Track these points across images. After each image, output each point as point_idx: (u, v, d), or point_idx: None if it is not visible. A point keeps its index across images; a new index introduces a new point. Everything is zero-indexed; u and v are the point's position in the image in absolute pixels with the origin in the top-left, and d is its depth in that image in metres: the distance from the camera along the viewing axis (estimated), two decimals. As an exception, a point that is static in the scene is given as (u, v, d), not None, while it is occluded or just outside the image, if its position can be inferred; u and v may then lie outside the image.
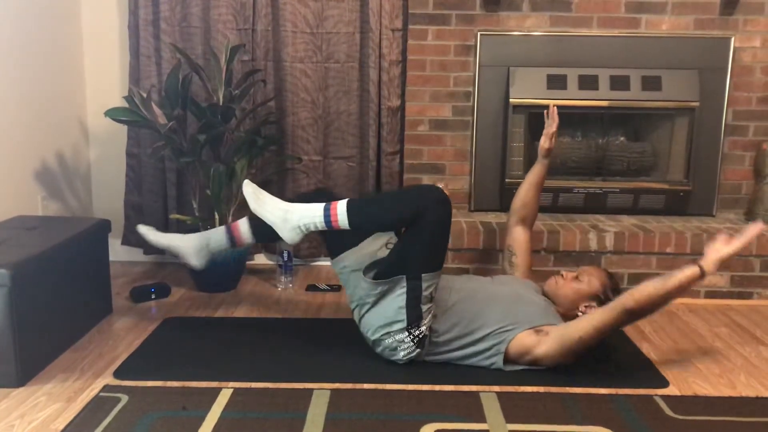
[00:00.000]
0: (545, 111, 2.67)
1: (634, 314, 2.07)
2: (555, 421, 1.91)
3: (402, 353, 2.21)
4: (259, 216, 2.21)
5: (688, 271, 2.04)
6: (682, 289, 2.05)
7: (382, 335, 2.21)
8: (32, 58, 2.92)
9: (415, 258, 2.16)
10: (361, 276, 2.24)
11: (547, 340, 2.14)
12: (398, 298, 2.16)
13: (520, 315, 2.22)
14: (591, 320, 2.10)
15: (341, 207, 2.13)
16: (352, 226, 2.14)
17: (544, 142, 2.65)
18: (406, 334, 2.18)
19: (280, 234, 2.20)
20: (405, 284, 2.15)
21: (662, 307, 2.09)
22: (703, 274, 2.04)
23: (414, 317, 2.16)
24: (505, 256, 2.67)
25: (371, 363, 2.25)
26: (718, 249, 2.07)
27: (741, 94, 3.26)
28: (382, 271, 2.20)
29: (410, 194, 2.25)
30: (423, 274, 2.14)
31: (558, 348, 2.13)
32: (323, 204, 2.16)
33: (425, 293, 2.16)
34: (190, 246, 2.43)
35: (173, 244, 2.46)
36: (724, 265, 2.09)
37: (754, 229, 2.07)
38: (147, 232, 2.47)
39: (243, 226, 2.40)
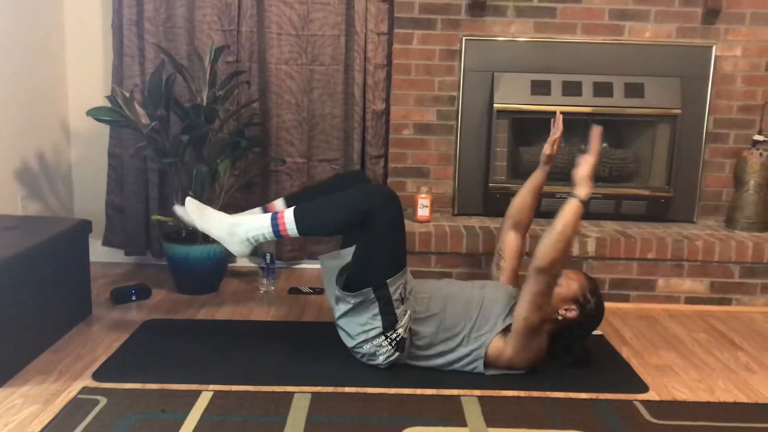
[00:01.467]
0: (552, 119, 2.59)
1: (546, 269, 2.07)
2: (535, 425, 1.91)
3: (381, 357, 2.21)
4: (205, 232, 2.22)
5: (567, 207, 2.11)
6: (572, 224, 2.09)
7: (360, 342, 2.21)
8: (14, 56, 2.89)
9: (376, 265, 2.17)
10: (334, 281, 2.27)
11: (508, 338, 2.17)
12: (371, 306, 2.17)
13: (492, 319, 2.23)
14: (523, 298, 2.12)
15: (288, 215, 2.16)
16: (301, 233, 2.18)
17: (546, 149, 2.58)
18: (383, 338, 2.18)
19: (228, 248, 2.22)
20: (373, 295, 2.16)
21: (568, 247, 2.11)
22: (581, 201, 2.11)
23: (389, 322, 2.17)
24: (494, 259, 2.67)
25: (352, 366, 2.25)
26: (579, 171, 2.15)
27: (722, 102, 3.30)
28: (349, 282, 2.21)
29: (357, 195, 2.24)
30: (388, 281, 2.15)
31: (516, 341, 2.15)
32: (270, 214, 2.18)
33: (395, 297, 2.16)
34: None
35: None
36: (591, 179, 2.15)
37: (595, 133, 2.17)
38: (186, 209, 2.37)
39: (283, 209, 2.42)
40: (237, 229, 2.18)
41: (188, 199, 2.24)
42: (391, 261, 2.18)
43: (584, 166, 2.16)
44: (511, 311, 2.22)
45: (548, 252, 2.06)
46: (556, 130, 2.59)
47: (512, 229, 2.61)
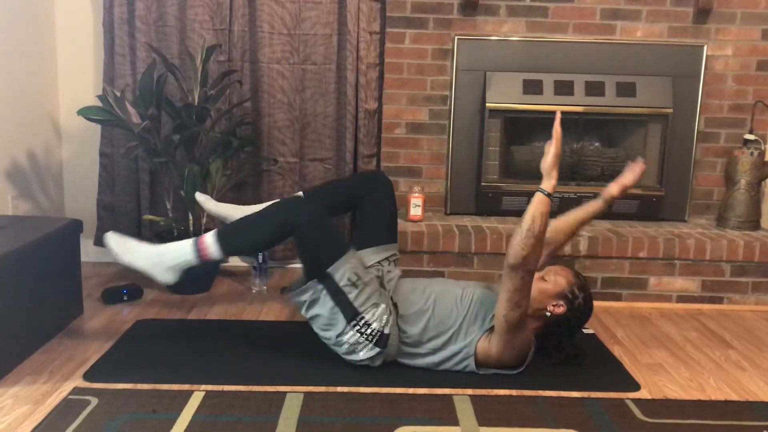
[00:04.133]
0: (630, 162, 2.49)
1: (518, 266, 2.02)
2: (527, 424, 1.91)
3: (362, 353, 2.21)
4: (129, 265, 2.24)
5: (536, 200, 2.05)
6: (540, 219, 2.03)
7: (336, 341, 2.22)
8: (4, 55, 2.88)
9: (311, 262, 2.20)
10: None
11: (492, 338, 2.17)
12: (325, 300, 2.19)
13: (480, 318, 2.23)
14: (500, 297, 2.09)
15: (209, 239, 2.19)
16: (226, 254, 2.22)
17: (613, 189, 2.45)
18: (354, 332, 2.18)
19: (156, 278, 2.24)
20: (322, 287, 2.18)
21: (539, 242, 2.03)
22: (549, 195, 2.06)
23: (350, 311, 2.17)
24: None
25: (345, 366, 2.24)
26: (544, 162, 2.09)
27: (713, 101, 3.31)
28: (297, 285, 2.24)
29: (275, 211, 2.27)
30: (329, 270, 2.16)
31: (499, 339, 2.14)
32: (191, 240, 2.21)
33: (342, 283, 2.16)
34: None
35: (228, 214, 2.50)
36: (555, 168, 2.08)
37: (557, 119, 2.10)
38: (204, 201, 2.54)
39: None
40: (160, 259, 2.21)
41: (108, 235, 2.26)
42: (325, 252, 2.19)
43: (547, 157, 2.10)
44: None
45: (518, 248, 2.02)
46: (632, 176, 2.44)
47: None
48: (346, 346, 2.21)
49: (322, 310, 2.20)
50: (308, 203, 2.23)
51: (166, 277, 2.22)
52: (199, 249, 2.19)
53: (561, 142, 2.10)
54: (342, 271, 2.17)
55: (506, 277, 2.07)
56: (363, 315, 2.18)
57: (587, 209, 2.47)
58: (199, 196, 2.57)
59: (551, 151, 2.09)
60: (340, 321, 2.18)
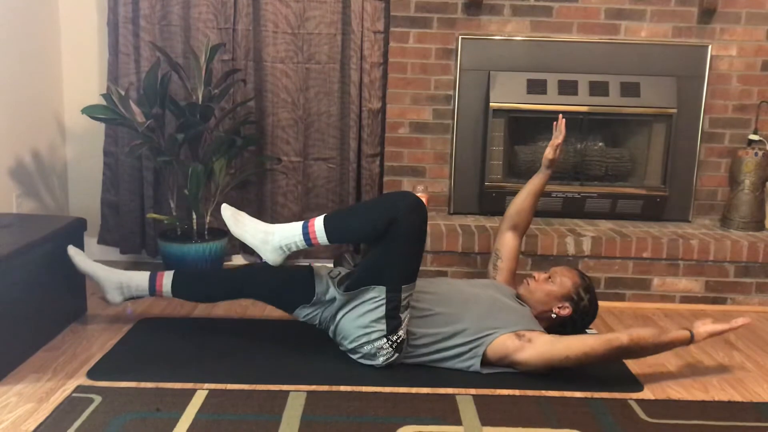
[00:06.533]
0: (554, 122, 2.62)
1: (624, 351, 2.13)
2: (530, 423, 1.91)
3: (381, 359, 2.21)
4: (239, 238, 2.24)
5: (681, 333, 2.16)
6: (671, 346, 2.18)
7: (360, 344, 2.21)
8: (8, 54, 2.88)
9: (393, 269, 2.16)
10: (325, 302, 2.26)
11: (530, 348, 2.15)
12: (377, 309, 2.16)
13: (499, 319, 2.22)
14: (583, 344, 2.13)
15: (318, 224, 2.17)
16: (330, 240, 2.18)
17: (548, 153, 2.60)
18: (385, 340, 2.18)
19: (263, 256, 2.23)
20: (384, 296, 2.15)
21: (648, 355, 2.19)
22: (691, 340, 2.17)
23: (393, 326, 2.17)
24: (491, 258, 2.66)
25: (348, 365, 2.25)
26: (709, 324, 2.20)
27: (717, 101, 3.30)
28: (353, 282, 2.20)
29: (384, 203, 2.24)
30: (403, 286, 2.15)
31: (541, 359, 2.15)
32: (301, 222, 2.20)
33: (403, 303, 2.17)
34: (111, 281, 2.44)
35: (96, 274, 2.45)
36: (709, 338, 2.23)
37: (740, 321, 2.21)
38: (74, 254, 2.47)
39: (166, 279, 2.43)
40: (270, 237, 2.20)
41: (224, 206, 2.28)
42: (408, 269, 2.17)
43: (715, 327, 2.19)
44: (527, 321, 2.24)
45: (639, 344, 2.11)
46: (559, 134, 2.57)
47: (510, 230, 2.62)
48: (368, 347, 2.21)
49: (368, 314, 2.18)
50: (417, 207, 2.14)
51: (272, 256, 2.21)
52: (308, 233, 2.16)
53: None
54: (408, 293, 2.18)
55: (606, 342, 2.12)
56: (401, 328, 2.19)
57: (536, 181, 2.62)
58: (71, 250, 2.47)
59: (731, 326, 2.20)
60: (380, 331, 2.17)
